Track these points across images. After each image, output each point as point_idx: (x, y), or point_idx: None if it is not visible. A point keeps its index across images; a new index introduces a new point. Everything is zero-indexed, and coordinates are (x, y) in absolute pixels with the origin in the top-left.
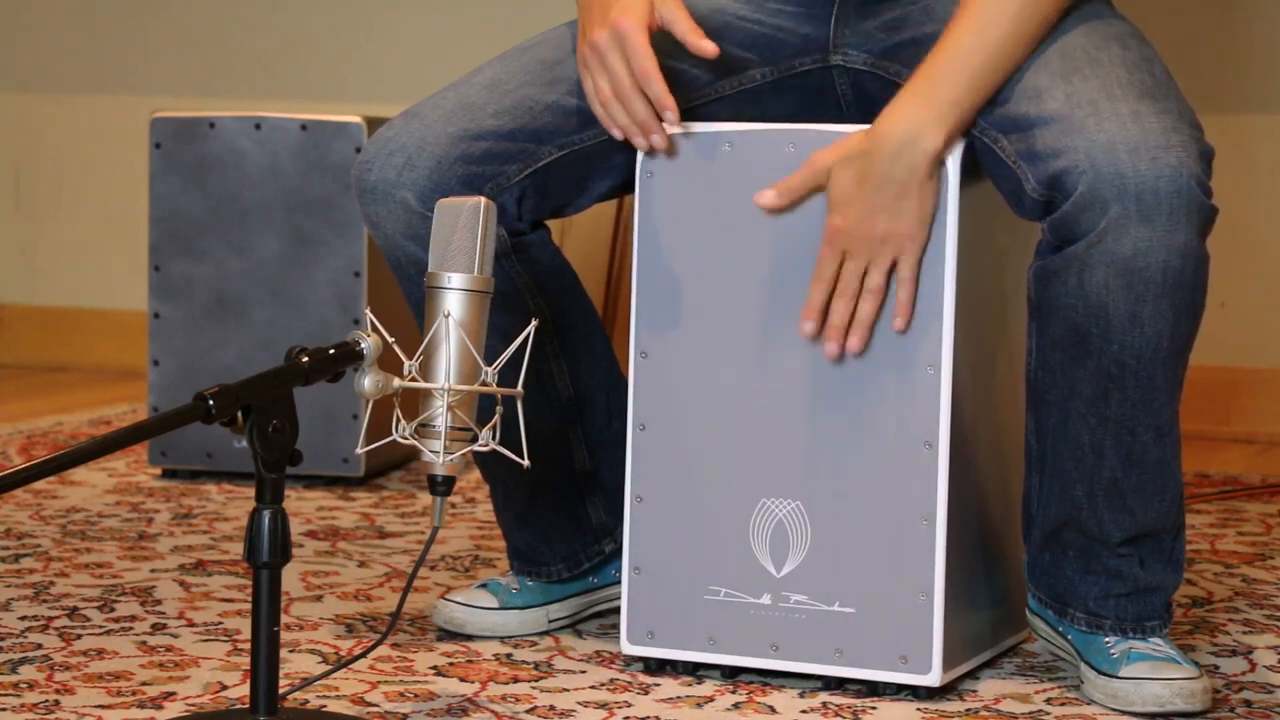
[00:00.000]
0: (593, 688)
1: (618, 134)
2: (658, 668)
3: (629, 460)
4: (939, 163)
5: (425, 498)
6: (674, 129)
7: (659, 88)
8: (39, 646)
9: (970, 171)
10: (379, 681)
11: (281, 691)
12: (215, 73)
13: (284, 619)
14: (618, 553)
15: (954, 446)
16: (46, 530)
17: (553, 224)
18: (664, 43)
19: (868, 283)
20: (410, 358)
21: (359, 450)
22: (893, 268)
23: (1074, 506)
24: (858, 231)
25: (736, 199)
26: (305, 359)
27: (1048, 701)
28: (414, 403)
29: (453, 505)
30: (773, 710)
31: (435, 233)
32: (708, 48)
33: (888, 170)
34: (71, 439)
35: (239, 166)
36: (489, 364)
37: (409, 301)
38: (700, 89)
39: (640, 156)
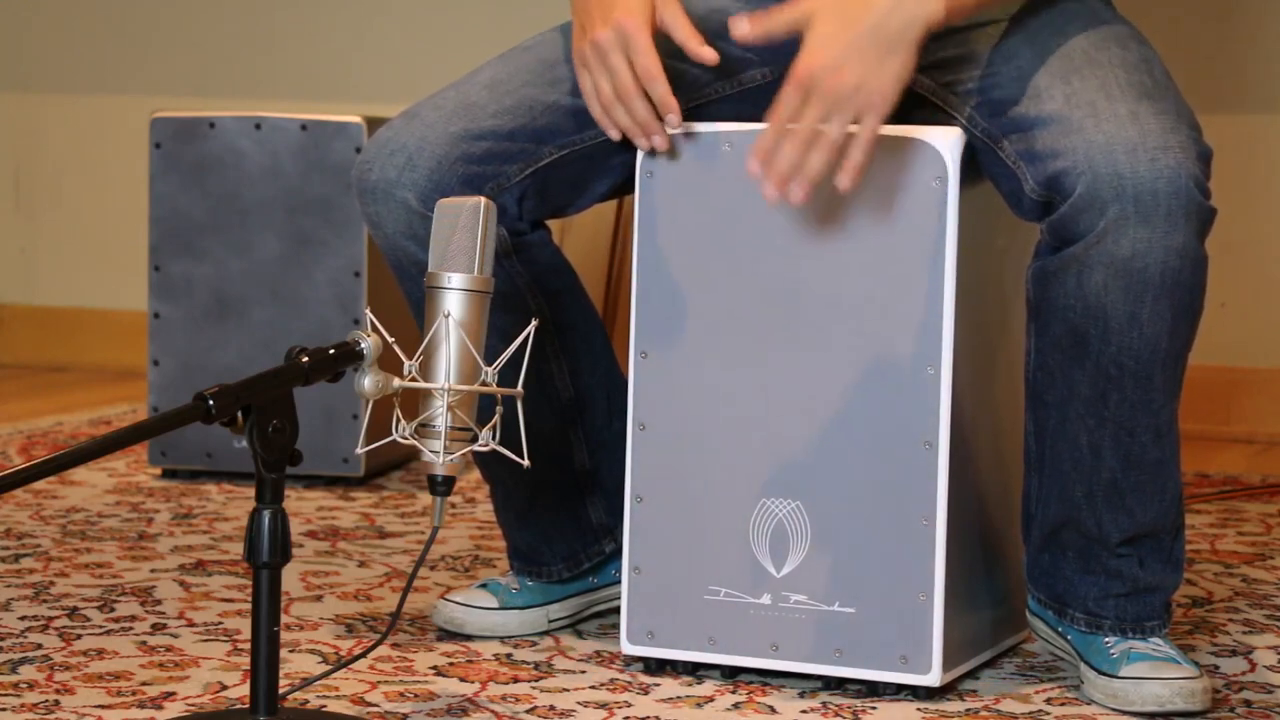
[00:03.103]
0: (593, 688)
1: (615, 134)
2: (658, 668)
3: (629, 460)
4: (929, 34)
5: (425, 498)
6: (675, 130)
7: (663, 88)
8: (39, 646)
9: (970, 172)
10: (379, 681)
11: (281, 691)
12: (215, 73)
13: (284, 619)
14: (618, 553)
15: (954, 446)
16: (46, 530)
17: (553, 224)
18: (664, 43)
19: (827, 134)
20: (410, 358)
21: (359, 450)
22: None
23: (1073, 507)
24: (830, 75)
25: (736, 199)
26: (305, 359)
27: (1048, 701)
28: (414, 403)
29: (453, 505)
30: (773, 710)
31: (435, 233)
32: (708, 55)
33: (882, 20)
34: (71, 439)
35: (239, 166)
36: (489, 364)
37: (409, 301)
38: (700, 89)
39: (640, 157)
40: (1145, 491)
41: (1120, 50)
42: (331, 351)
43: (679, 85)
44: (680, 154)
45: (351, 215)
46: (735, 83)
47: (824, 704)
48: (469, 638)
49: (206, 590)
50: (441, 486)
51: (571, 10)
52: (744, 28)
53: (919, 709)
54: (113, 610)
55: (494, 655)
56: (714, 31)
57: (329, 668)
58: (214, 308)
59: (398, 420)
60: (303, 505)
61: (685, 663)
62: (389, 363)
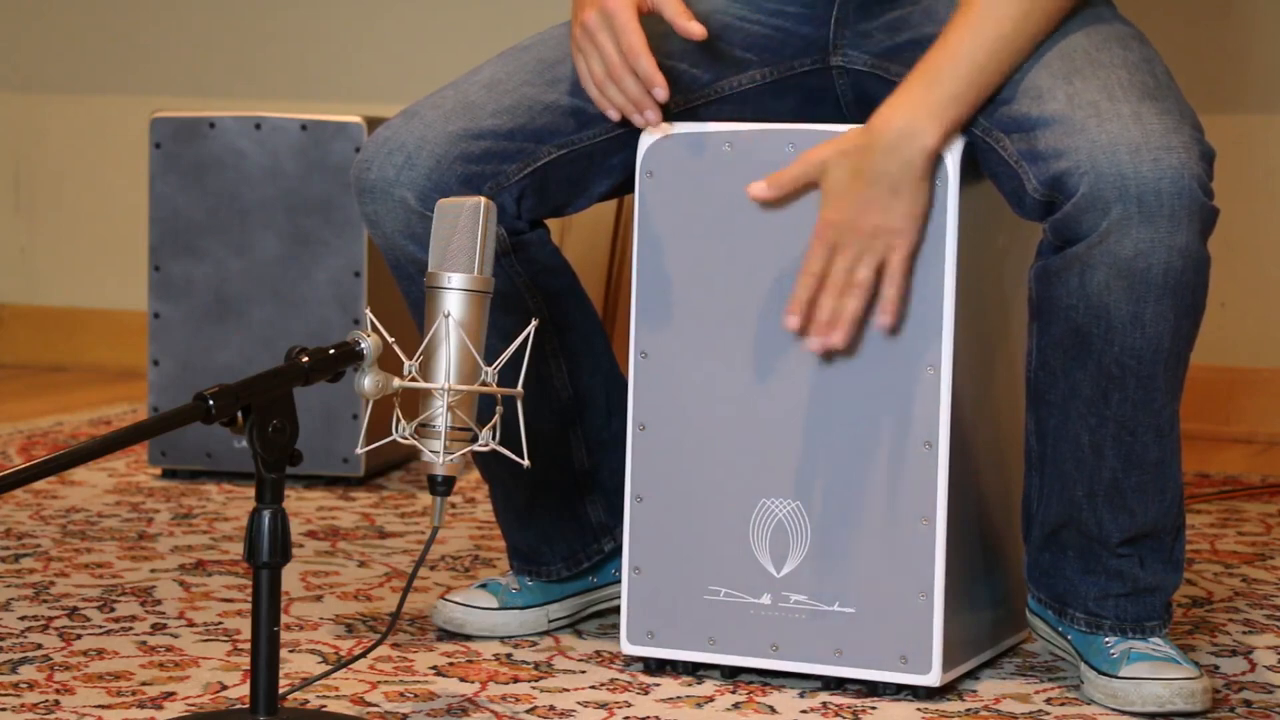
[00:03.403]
0: (593, 688)
1: (614, 114)
2: (658, 668)
3: (629, 460)
4: (935, 160)
5: (425, 498)
6: (662, 99)
7: (647, 64)
8: (39, 646)
9: (970, 171)
10: (379, 681)
11: (281, 691)
12: (215, 73)
13: (284, 619)
14: (617, 552)
15: (954, 446)
16: (46, 530)
17: (552, 224)
18: (663, 43)
19: (854, 278)
20: (410, 358)
21: (359, 450)
22: (881, 266)
23: (1074, 507)
24: (849, 225)
25: (736, 199)
26: (305, 359)
27: (1048, 701)
28: (414, 403)
29: (453, 505)
30: (773, 710)
31: (435, 233)
32: (695, 29)
33: (882, 165)
34: (71, 439)
35: (239, 166)
36: (489, 364)
37: (408, 301)
38: (700, 89)
39: (640, 156)
40: (1146, 491)
41: (1122, 50)
42: (331, 351)
43: (678, 85)
44: (680, 154)
45: (351, 215)
46: (735, 83)
47: (824, 704)
48: (469, 638)
49: (206, 590)
50: (441, 486)
51: (572, 9)
52: (760, 189)
53: (919, 709)
54: (113, 610)
55: (494, 655)
56: (713, 32)
57: (329, 668)
58: (214, 308)
59: (398, 420)
60: (303, 505)
61: (685, 663)
62: (389, 363)
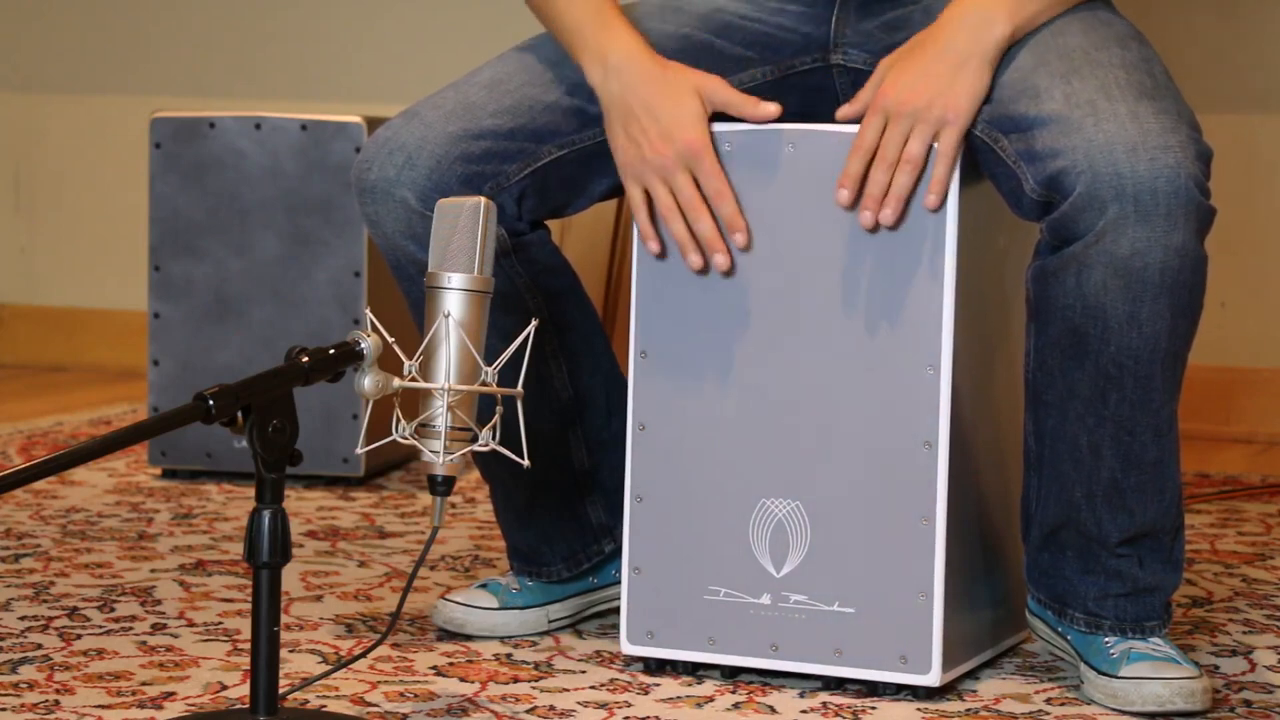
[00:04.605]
0: (593, 688)
1: (655, 247)
2: (658, 668)
3: (629, 460)
4: (1000, 53)
5: (425, 498)
6: (741, 249)
7: (731, 208)
8: (39, 646)
9: (970, 171)
10: (379, 681)
11: (281, 691)
12: (215, 73)
13: (284, 619)
14: (618, 553)
15: (954, 446)
16: (46, 530)
17: (552, 224)
18: (663, 42)
19: (907, 152)
20: (410, 358)
21: (359, 450)
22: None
23: (1073, 507)
24: (905, 94)
25: (737, 199)
26: (305, 359)
27: (1048, 701)
28: (414, 403)
29: (453, 505)
30: (773, 710)
31: (435, 233)
32: (771, 111)
33: (950, 39)
34: (71, 439)
35: (239, 166)
36: (489, 364)
37: (408, 301)
38: None
39: None
40: (1145, 491)
41: (1120, 50)
42: (331, 351)
43: None
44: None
45: (351, 215)
46: (735, 82)
47: (824, 704)
48: (469, 638)
49: (206, 590)
50: (441, 486)
51: (609, 110)
52: (844, 111)
53: (919, 709)
54: (113, 610)
55: (494, 655)
56: (714, 31)
57: (329, 668)
58: (214, 308)
59: (398, 420)
60: (303, 505)
61: (685, 663)
62: (389, 363)
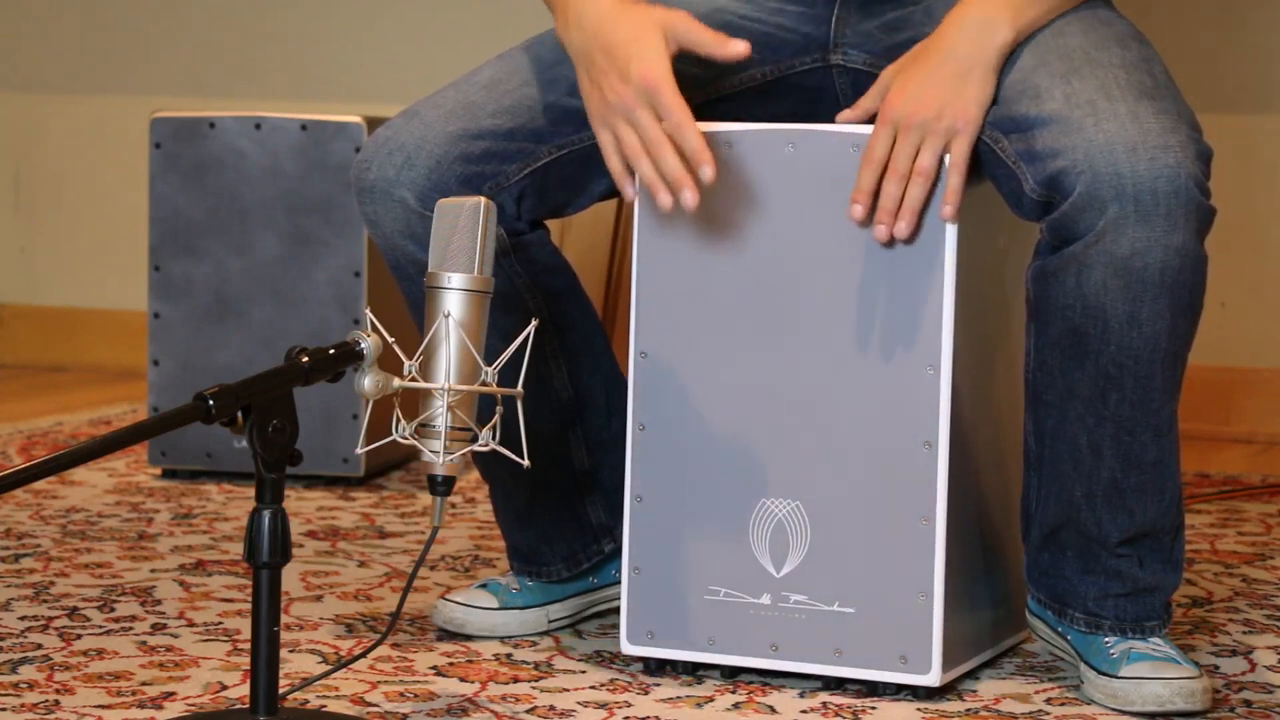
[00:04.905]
0: (593, 688)
1: (630, 191)
2: (658, 668)
3: (629, 460)
4: (1003, 59)
5: (425, 498)
6: (708, 181)
7: (696, 140)
8: (39, 646)
9: (970, 172)
10: (379, 681)
11: (281, 691)
12: (215, 73)
13: (284, 619)
14: (617, 553)
15: (954, 446)
16: (46, 530)
17: (552, 224)
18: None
19: (919, 164)
20: (410, 358)
21: (359, 450)
22: (943, 157)
23: (1073, 507)
24: (913, 105)
25: (736, 199)
26: (305, 359)
27: (1048, 701)
28: (414, 403)
29: (453, 505)
30: (773, 710)
31: (435, 233)
32: (738, 49)
33: (953, 46)
34: (71, 439)
35: (239, 166)
36: (489, 364)
37: (407, 301)
38: (700, 88)
39: None
40: (1145, 491)
41: (1120, 50)
42: (331, 351)
43: (679, 85)
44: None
45: (351, 215)
46: (735, 81)
47: (824, 704)
48: (469, 638)
49: (206, 590)
50: (441, 486)
51: (575, 61)
52: (846, 115)
53: (919, 709)
54: (113, 610)
55: (494, 655)
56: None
57: (329, 668)
58: (214, 308)
59: (398, 420)
60: (303, 505)
61: (685, 663)
62: (389, 363)
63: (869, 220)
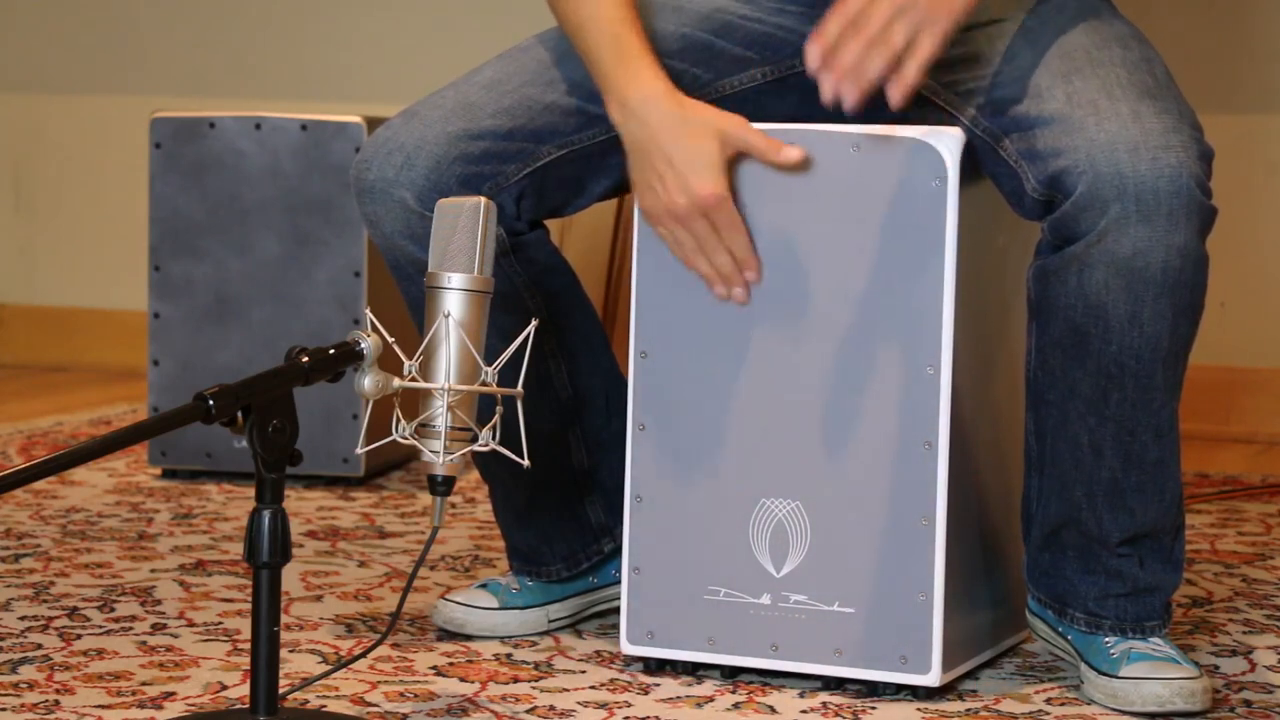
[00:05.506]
0: (593, 688)
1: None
2: (658, 668)
3: (629, 460)
4: None
5: (425, 498)
6: (754, 283)
7: (745, 251)
8: (39, 646)
9: (970, 171)
10: (379, 681)
11: (281, 691)
12: (215, 73)
13: (284, 619)
14: (617, 552)
15: (954, 446)
16: (46, 530)
17: (552, 224)
18: (663, 42)
19: (888, 35)
20: (410, 358)
21: (359, 450)
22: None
23: (1073, 507)
24: None
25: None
26: (305, 359)
27: (1048, 701)
28: (414, 403)
29: (453, 505)
30: (773, 710)
31: (435, 233)
32: (793, 156)
33: None
34: (71, 439)
35: (239, 166)
36: (489, 364)
37: (408, 301)
38: (700, 89)
39: None
40: (1145, 491)
41: (1122, 50)
42: (331, 351)
43: (677, 85)
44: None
45: (351, 215)
46: (736, 81)
47: (824, 704)
48: (469, 638)
49: (206, 590)
50: (441, 486)
51: (629, 151)
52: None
53: (919, 709)
54: (113, 610)
55: (494, 655)
56: (714, 31)
57: (329, 668)
58: (214, 308)
59: (398, 420)
60: (303, 505)
61: (685, 663)
62: (389, 363)
63: (821, 69)
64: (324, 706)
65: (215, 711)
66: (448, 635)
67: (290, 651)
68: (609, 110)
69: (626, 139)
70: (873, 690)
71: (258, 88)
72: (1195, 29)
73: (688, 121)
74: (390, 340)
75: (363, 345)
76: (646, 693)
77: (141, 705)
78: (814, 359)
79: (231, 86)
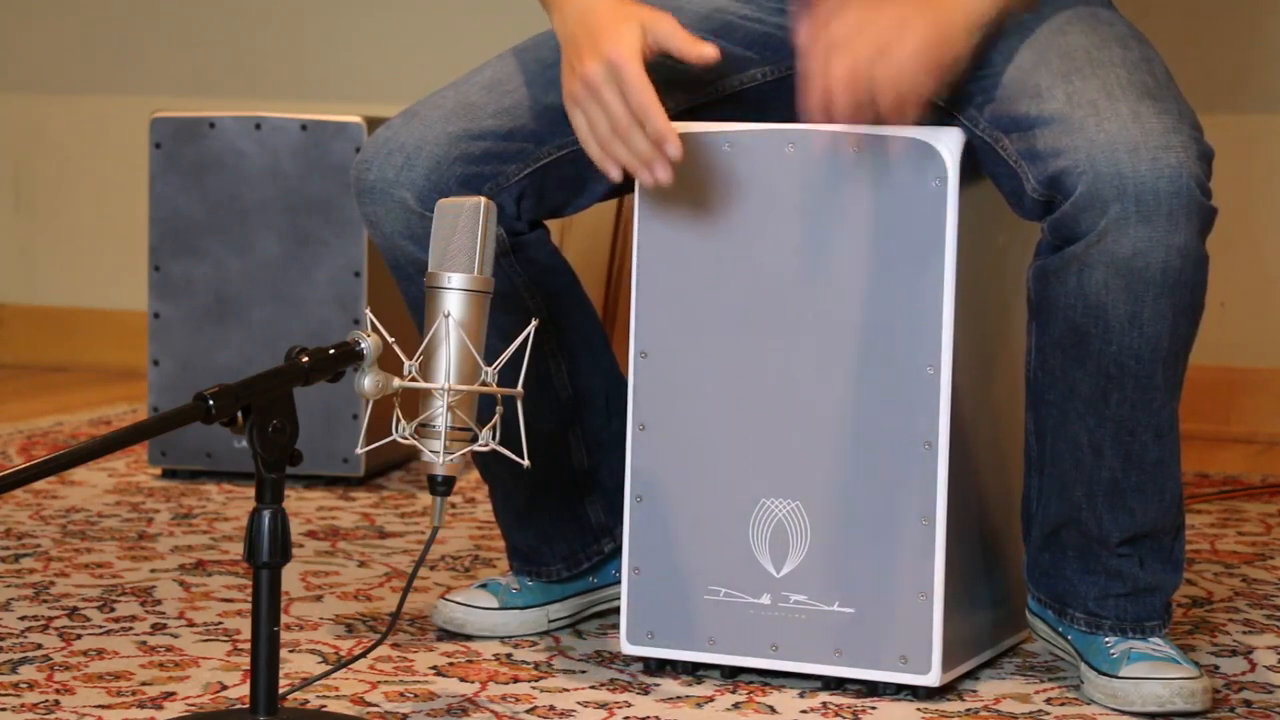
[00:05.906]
0: (593, 688)
1: (615, 173)
2: (658, 668)
3: (629, 460)
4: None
5: (425, 498)
6: (675, 158)
7: (659, 122)
8: (39, 646)
9: (970, 171)
10: (379, 681)
11: (281, 691)
12: (215, 73)
13: (284, 619)
14: (617, 552)
15: (954, 446)
16: (46, 530)
17: (552, 224)
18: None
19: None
20: (410, 358)
21: (359, 450)
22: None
23: (1073, 507)
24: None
25: (736, 199)
26: (305, 359)
27: (1048, 701)
28: (414, 403)
29: (453, 505)
30: (773, 710)
31: (435, 233)
32: (708, 53)
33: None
34: (71, 439)
35: (239, 166)
36: (489, 364)
37: (408, 301)
38: (700, 89)
39: None
40: (1145, 491)
41: (1121, 50)
42: (331, 351)
43: (679, 85)
44: (680, 154)
45: (351, 215)
46: (735, 82)
47: (824, 704)
48: (469, 638)
49: (206, 590)
50: (441, 486)
51: (561, 47)
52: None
53: (919, 709)
54: (113, 610)
55: (494, 655)
56: (715, 31)
57: (329, 668)
58: (214, 308)
59: (398, 420)
60: (303, 505)
61: (685, 663)
62: (389, 363)
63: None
64: (324, 706)
65: (215, 711)
66: (448, 635)
67: (290, 651)
68: (554, 28)
69: (560, 37)
70: (873, 690)
71: (258, 88)
72: (1195, 29)
73: (613, 11)
74: (390, 340)
75: (363, 345)
76: (646, 693)
77: (141, 705)
78: (814, 359)
79: (231, 86)
